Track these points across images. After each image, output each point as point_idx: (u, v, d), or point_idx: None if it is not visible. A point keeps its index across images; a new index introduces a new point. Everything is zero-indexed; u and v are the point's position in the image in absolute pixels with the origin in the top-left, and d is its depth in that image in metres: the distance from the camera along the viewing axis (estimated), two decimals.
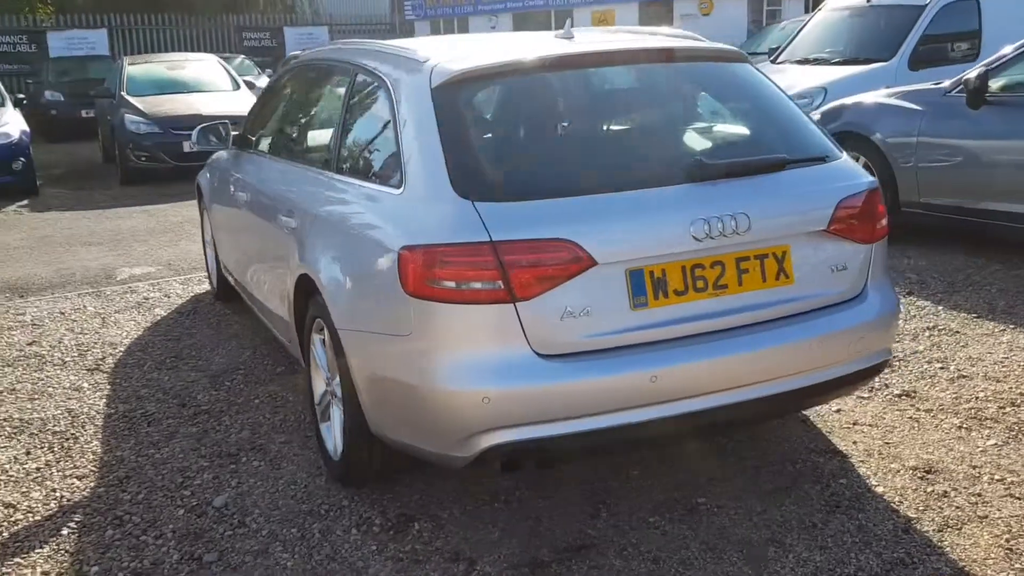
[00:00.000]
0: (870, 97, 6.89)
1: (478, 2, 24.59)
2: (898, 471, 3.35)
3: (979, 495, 3.16)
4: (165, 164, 11.54)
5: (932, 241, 6.46)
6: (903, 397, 3.98)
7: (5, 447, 3.88)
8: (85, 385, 4.59)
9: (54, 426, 4.08)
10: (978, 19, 9.26)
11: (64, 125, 17.40)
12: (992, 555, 2.83)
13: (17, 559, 3.04)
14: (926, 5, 9.12)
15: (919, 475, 3.31)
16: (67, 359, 4.99)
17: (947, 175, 6.08)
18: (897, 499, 3.16)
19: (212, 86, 13.07)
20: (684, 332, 2.79)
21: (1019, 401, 3.87)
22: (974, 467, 3.35)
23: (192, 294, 6.30)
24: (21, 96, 14.05)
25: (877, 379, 4.09)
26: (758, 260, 2.88)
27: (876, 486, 3.26)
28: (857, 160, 6.66)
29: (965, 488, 3.21)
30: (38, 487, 3.53)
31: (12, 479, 3.60)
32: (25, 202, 10.79)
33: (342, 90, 3.71)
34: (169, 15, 23.48)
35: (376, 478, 3.36)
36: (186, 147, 10.77)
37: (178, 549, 3.06)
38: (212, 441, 3.88)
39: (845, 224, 3.03)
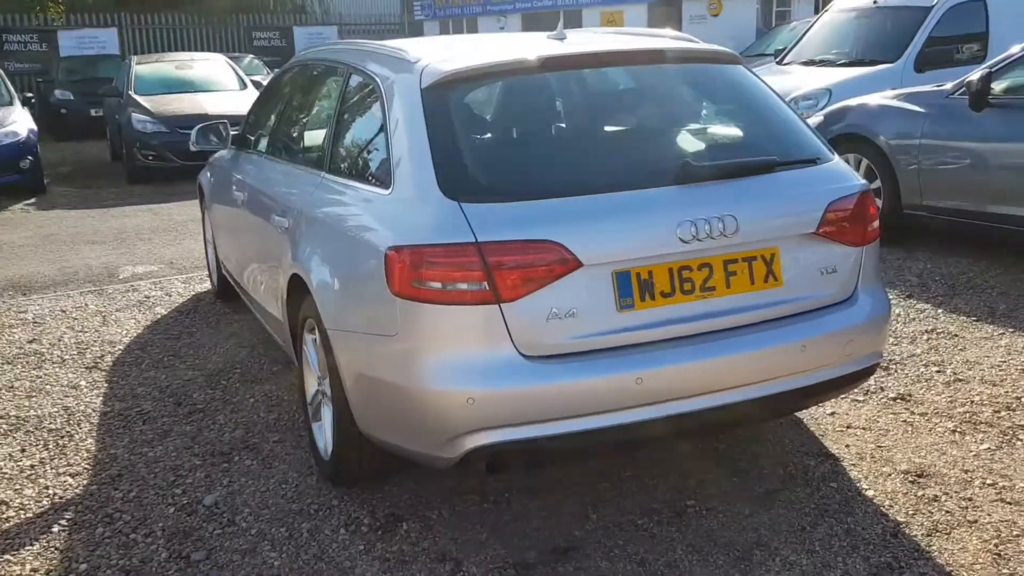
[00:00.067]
0: (874, 99, 6.86)
1: (487, 2, 24.57)
2: (889, 475, 3.33)
3: (970, 499, 3.14)
4: (171, 163, 11.58)
5: (935, 244, 6.43)
6: (898, 400, 3.96)
7: (0, 444, 3.90)
8: (83, 383, 4.61)
9: (50, 424, 4.10)
10: (985, 20, 9.21)
11: (73, 124, 17.46)
12: (980, 560, 2.81)
13: (7, 556, 3.06)
14: (932, 6, 9.07)
15: (910, 479, 3.30)
16: (66, 357, 5.01)
17: (949, 178, 6.05)
18: (887, 503, 3.15)
19: (219, 85, 13.11)
20: (671, 334, 2.78)
21: (1014, 405, 3.85)
22: (966, 471, 3.33)
23: (193, 293, 6.32)
24: (29, 95, 14.13)
25: (872, 382, 4.09)
26: (746, 262, 2.87)
27: (867, 490, 3.24)
28: (860, 162, 6.66)
29: (956, 492, 3.19)
30: (31, 484, 3.54)
31: (6, 476, 3.61)
32: (32, 200, 10.85)
33: (336, 90, 3.72)
34: (179, 15, 23.57)
35: (366, 478, 3.36)
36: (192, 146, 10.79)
37: (167, 547, 3.07)
38: (206, 440, 3.89)
39: (835, 227, 3.02)
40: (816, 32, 10.33)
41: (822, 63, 9.67)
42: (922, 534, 2.96)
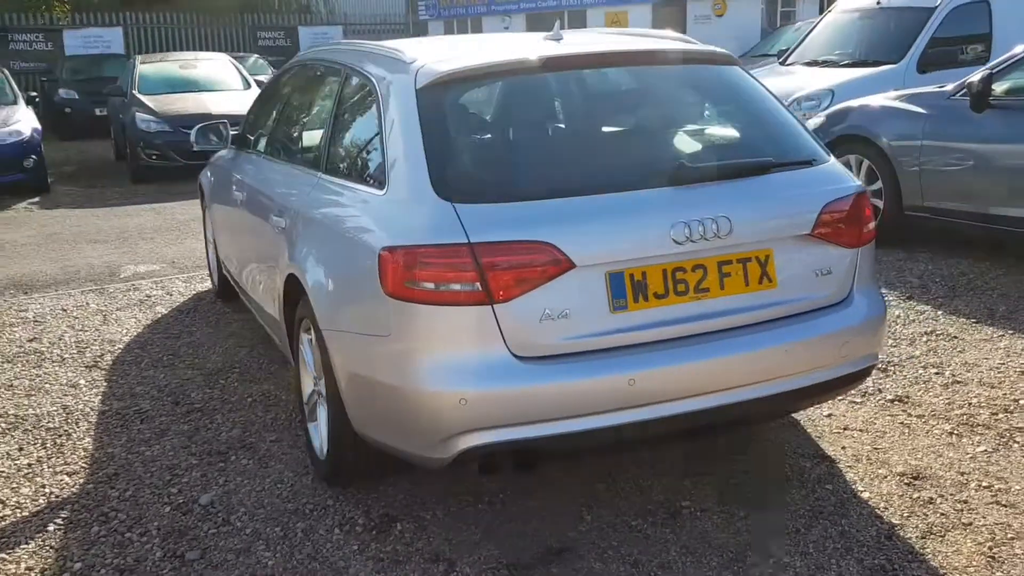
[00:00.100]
0: (876, 100, 6.85)
1: (491, 2, 24.58)
2: (885, 477, 3.33)
3: (965, 502, 3.14)
4: (175, 162, 11.59)
5: (936, 245, 6.42)
6: (895, 402, 3.95)
7: None
8: (82, 382, 4.62)
9: (48, 422, 4.11)
10: (989, 21, 9.19)
11: (78, 123, 17.50)
12: (974, 563, 2.80)
13: (3, 554, 3.07)
14: (936, 7, 9.05)
15: (906, 481, 3.29)
16: (66, 356, 5.02)
17: (950, 179, 6.04)
18: (882, 505, 3.14)
19: (223, 85, 13.13)
20: (664, 335, 2.78)
21: (1012, 407, 3.84)
22: (962, 473, 3.33)
23: (194, 292, 6.34)
24: (34, 94, 14.16)
25: (871, 384, 4.08)
26: (740, 264, 2.86)
27: (862, 492, 3.24)
28: (862, 163, 6.65)
29: (951, 495, 3.19)
30: (28, 483, 3.55)
31: (3, 475, 3.62)
32: (36, 199, 10.88)
33: (333, 91, 3.72)
34: (185, 14, 23.61)
35: (361, 478, 3.37)
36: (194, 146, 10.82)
37: (161, 546, 3.07)
38: (203, 439, 3.90)
39: (830, 228, 3.01)
40: (819, 33, 10.31)
41: (825, 64, 9.66)
42: (916, 536, 2.95)
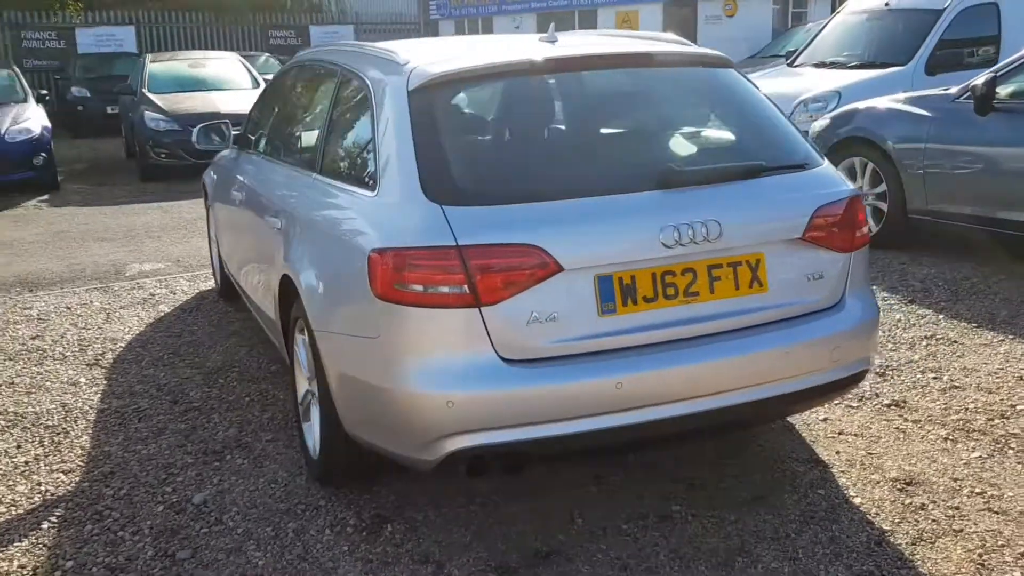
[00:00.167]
0: (882, 102, 6.81)
1: (502, 2, 24.58)
2: (878, 482, 3.32)
3: (957, 508, 3.12)
4: (184, 161, 11.62)
5: (939, 249, 6.39)
6: (892, 407, 3.93)
7: None
8: (82, 380, 4.65)
9: (47, 420, 4.14)
10: (997, 23, 9.14)
11: (90, 121, 17.62)
12: (963, 570, 2.79)
13: None
14: (944, 9, 9.00)
15: (899, 487, 3.28)
16: (68, 354, 5.05)
17: (954, 182, 6.01)
18: (874, 511, 3.13)
19: (232, 84, 13.19)
20: (653, 339, 2.78)
21: (1008, 413, 3.82)
22: (955, 480, 3.31)
23: (197, 291, 6.37)
24: (44, 92, 14.23)
25: (868, 388, 4.07)
26: (731, 268, 2.86)
27: (854, 497, 3.23)
28: (866, 166, 6.62)
29: (944, 501, 3.17)
30: (24, 481, 3.58)
31: (0, 472, 3.65)
32: (46, 197, 10.95)
33: (329, 92, 3.73)
34: (197, 13, 23.70)
35: (353, 478, 3.38)
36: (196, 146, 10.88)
37: (153, 545, 3.09)
38: (199, 438, 3.91)
39: (823, 232, 3.00)
40: (827, 34, 10.28)
41: (833, 65, 9.62)
42: (906, 543, 2.94)
